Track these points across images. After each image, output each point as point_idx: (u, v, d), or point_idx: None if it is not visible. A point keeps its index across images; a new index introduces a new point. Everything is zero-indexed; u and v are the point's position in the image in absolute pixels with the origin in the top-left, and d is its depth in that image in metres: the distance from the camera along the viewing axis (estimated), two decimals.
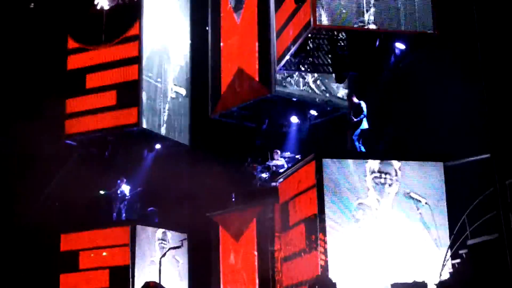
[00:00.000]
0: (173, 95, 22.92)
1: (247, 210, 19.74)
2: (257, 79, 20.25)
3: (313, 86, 20.33)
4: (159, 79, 22.33)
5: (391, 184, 15.32)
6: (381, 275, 14.57)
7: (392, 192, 15.27)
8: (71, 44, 22.70)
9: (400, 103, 17.90)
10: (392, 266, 14.69)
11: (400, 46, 16.57)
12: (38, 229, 22.19)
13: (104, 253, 20.81)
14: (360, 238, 14.90)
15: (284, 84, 19.84)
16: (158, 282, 17.54)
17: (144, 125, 21.52)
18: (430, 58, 16.93)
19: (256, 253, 19.19)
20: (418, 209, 15.30)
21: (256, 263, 19.11)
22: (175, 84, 23.10)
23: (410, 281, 13.97)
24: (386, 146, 16.93)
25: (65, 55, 22.73)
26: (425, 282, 13.85)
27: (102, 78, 22.13)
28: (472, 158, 15.66)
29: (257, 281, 19.01)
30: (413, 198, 15.34)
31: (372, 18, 15.56)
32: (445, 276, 14.01)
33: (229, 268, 20.15)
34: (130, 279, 20.05)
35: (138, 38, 21.77)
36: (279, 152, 20.18)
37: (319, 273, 14.33)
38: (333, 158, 15.33)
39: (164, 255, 19.52)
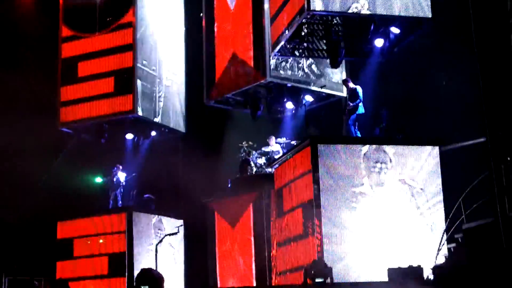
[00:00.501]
0: (168, 83, 22.85)
1: (243, 196, 19.73)
2: (251, 65, 20.21)
3: (308, 71, 20.29)
4: (153, 67, 22.24)
5: (386, 171, 15.29)
6: (376, 260, 14.58)
7: (387, 179, 15.25)
8: (65, 32, 22.59)
9: (396, 88, 17.86)
10: (387, 251, 14.70)
11: (394, 30, 16.50)
12: (34, 217, 22.21)
13: (101, 240, 20.83)
14: (356, 223, 14.90)
15: (279, 69, 19.79)
16: (154, 268, 17.56)
17: (139, 113, 21.47)
18: (425, 42, 16.86)
19: (252, 238, 19.22)
20: (413, 195, 15.27)
21: (252, 249, 19.14)
22: (170, 71, 23.02)
23: (406, 266, 13.98)
24: (382, 132, 16.88)
25: (60, 43, 22.64)
26: (421, 266, 13.86)
27: (96, 65, 22.06)
28: (467, 142, 15.64)
29: (253, 266, 19.05)
30: (408, 184, 15.31)
31: (366, 2, 15.48)
32: (440, 260, 14.03)
33: (225, 254, 20.17)
34: (127, 266, 20.06)
35: (132, 25, 21.66)
36: (273, 138, 20.16)
37: (315, 259, 14.34)
38: (329, 143, 15.29)
39: (160, 241, 19.57)
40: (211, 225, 20.66)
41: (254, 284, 18.75)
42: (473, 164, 14.35)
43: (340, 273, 14.23)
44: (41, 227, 22.07)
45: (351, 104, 16.68)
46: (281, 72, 19.85)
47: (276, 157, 18.92)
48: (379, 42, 16.76)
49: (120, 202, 21.82)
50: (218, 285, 20.03)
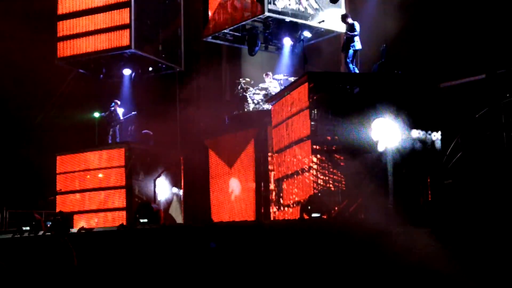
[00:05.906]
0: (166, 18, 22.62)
1: (241, 132, 19.69)
2: None
3: (306, 6, 19.97)
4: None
5: (383, 106, 15.10)
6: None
7: (384, 113, 15.06)
8: None
9: (395, 22, 17.64)
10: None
11: None
12: (33, 151, 22.30)
13: (100, 175, 20.95)
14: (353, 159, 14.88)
15: (276, 4, 19.46)
16: (154, 202, 17.80)
17: (137, 48, 21.36)
18: None
19: (253, 174, 19.21)
20: (409, 131, 15.05)
21: (254, 185, 19.13)
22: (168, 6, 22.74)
23: None
24: (381, 68, 16.73)
25: None
26: None
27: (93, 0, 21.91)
28: (467, 79, 15.54)
29: (254, 202, 19.07)
30: (405, 118, 15.07)
31: None
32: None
33: (220, 190, 20.18)
34: (126, 200, 20.23)
35: None
36: (270, 74, 20.02)
37: (311, 194, 14.44)
38: (326, 80, 15.20)
39: (159, 176, 19.65)
40: (206, 162, 20.66)
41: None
42: (472, 100, 14.28)
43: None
44: (40, 161, 22.17)
45: (349, 33, 16.53)
46: (279, 7, 19.53)
47: (274, 93, 18.82)
48: None
49: (119, 137, 21.86)
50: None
